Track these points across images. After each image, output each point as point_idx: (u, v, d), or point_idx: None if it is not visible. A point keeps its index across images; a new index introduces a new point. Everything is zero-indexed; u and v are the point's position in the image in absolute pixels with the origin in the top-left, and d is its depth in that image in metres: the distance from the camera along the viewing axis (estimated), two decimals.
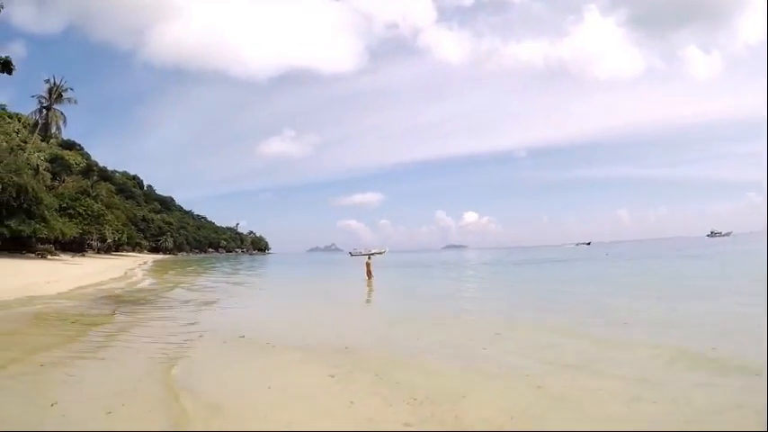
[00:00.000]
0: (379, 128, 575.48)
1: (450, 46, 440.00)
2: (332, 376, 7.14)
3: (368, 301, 21.49)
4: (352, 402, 5.91)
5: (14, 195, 40.43)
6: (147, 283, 28.60)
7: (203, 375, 7.45)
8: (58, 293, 18.30)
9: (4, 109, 73.62)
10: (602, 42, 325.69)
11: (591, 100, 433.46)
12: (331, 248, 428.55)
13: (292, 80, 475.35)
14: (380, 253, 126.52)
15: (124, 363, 8.18)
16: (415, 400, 5.91)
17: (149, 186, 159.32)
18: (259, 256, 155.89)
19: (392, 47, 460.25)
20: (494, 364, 7.83)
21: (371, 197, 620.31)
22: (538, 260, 59.46)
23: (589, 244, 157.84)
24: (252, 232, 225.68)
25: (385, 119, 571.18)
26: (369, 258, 30.57)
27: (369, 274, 28.26)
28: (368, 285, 26.19)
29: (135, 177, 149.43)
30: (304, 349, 9.27)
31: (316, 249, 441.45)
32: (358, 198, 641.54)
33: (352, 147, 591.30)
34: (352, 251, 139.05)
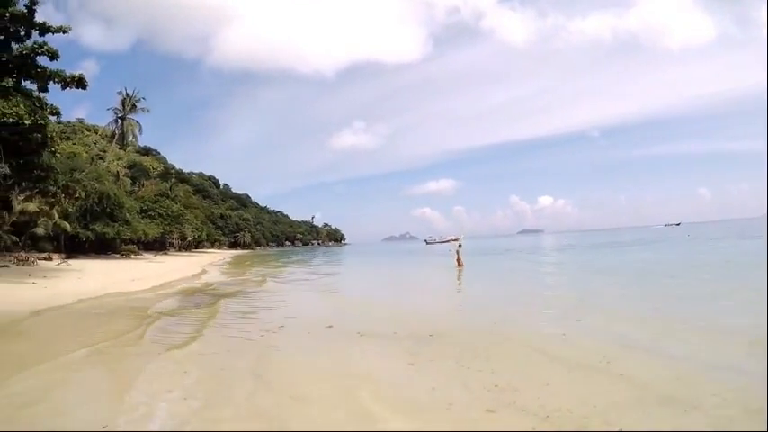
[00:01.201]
0: (447, 114, 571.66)
1: (513, 27, 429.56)
2: (411, 364, 7.26)
3: (457, 289, 21.14)
4: (433, 389, 5.95)
5: (97, 201, 43.19)
6: (226, 277, 29.54)
7: (289, 365, 7.63)
8: (142, 290, 19.18)
9: (81, 122, 78.95)
10: (670, 10, 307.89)
11: (663, 72, 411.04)
12: (406, 237, 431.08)
13: (358, 73, 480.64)
14: (456, 240, 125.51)
15: (212, 352, 8.50)
16: (497, 386, 5.89)
17: (225, 185, 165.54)
18: (335, 248, 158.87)
19: (455, 32, 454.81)
20: (578, 353, 7.66)
21: (445, 184, 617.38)
22: (621, 243, 57.46)
23: (679, 224, 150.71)
24: (327, 224, 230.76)
25: (453, 104, 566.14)
26: (459, 246, 30.22)
27: (459, 261, 28.19)
28: (458, 273, 25.94)
29: (211, 178, 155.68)
30: (388, 337, 9.48)
31: (391, 239, 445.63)
32: (431, 185, 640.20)
33: (423, 134, 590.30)
34: (428, 239, 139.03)
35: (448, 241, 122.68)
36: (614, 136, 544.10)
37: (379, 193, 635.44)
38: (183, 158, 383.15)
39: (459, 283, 22.65)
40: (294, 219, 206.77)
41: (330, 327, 10.76)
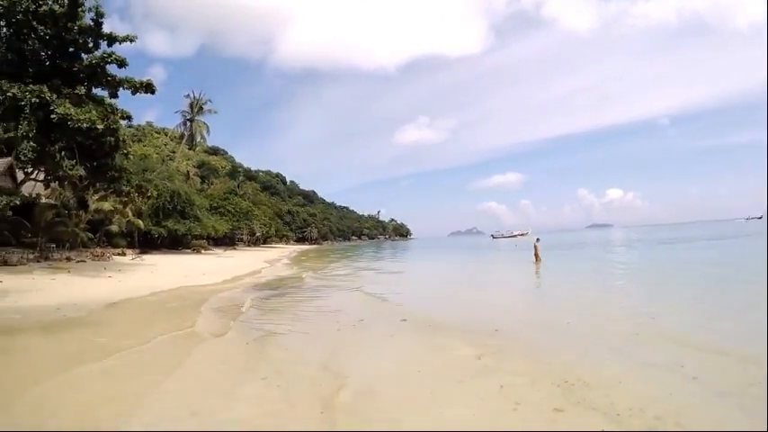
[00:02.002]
0: (512, 106, 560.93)
1: (575, 14, 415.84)
2: (479, 357, 7.24)
3: (534, 284, 20.63)
4: (501, 386, 5.83)
5: (169, 199, 45.54)
6: (296, 271, 29.97)
7: (361, 358, 7.81)
8: (213, 283, 19.86)
9: (151, 125, 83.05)
10: None
11: (733, 54, 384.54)
12: (472, 232, 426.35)
13: (421, 68, 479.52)
14: (523, 235, 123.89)
15: (284, 346, 8.74)
16: (567, 382, 5.78)
17: (292, 182, 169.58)
18: (401, 242, 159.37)
19: (516, 22, 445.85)
20: (650, 352, 7.46)
21: (511, 177, 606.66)
22: (693, 238, 53.74)
23: (761, 218, 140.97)
24: (393, 219, 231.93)
25: (517, 96, 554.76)
26: (537, 241, 29.73)
27: (536, 257, 27.76)
28: (536, 268, 25.45)
29: (278, 175, 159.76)
30: (459, 331, 9.42)
31: (457, 233, 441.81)
32: (497, 179, 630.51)
33: (488, 127, 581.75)
34: (494, 234, 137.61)
35: (514, 236, 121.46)
36: (685, 124, 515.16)
37: (444, 187, 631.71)
38: (251, 157, 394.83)
39: (538, 278, 22.19)
40: (360, 214, 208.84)
41: (404, 320, 10.87)
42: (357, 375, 6.52)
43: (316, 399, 5.52)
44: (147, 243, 42.92)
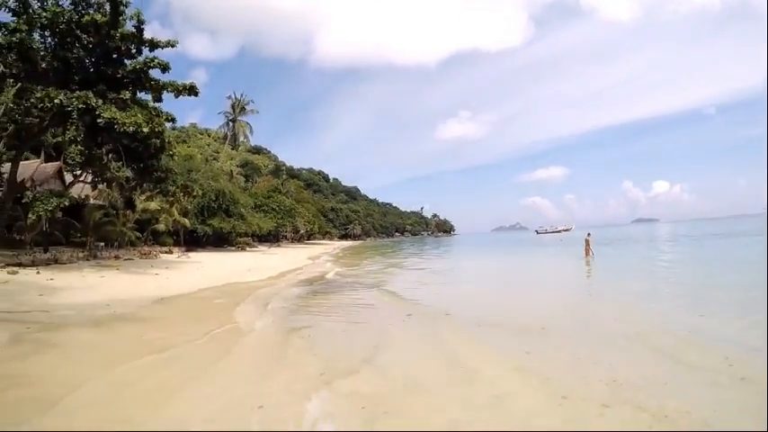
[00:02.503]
0: (554, 98, 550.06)
1: (615, 1, 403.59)
2: (528, 353, 7.31)
3: (584, 280, 20.24)
4: (547, 378, 5.94)
5: (214, 198, 46.68)
6: (341, 267, 30.16)
7: (405, 352, 7.87)
8: (258, 280, 20.33)
9: (195, 126, 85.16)
10: None
11: None
12: (516, 227, 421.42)
13: (461, 62, 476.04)
14: (567, 230, 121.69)
15: (330, 341, 8.88)
16: (615, 381, 5.79)
17: (335, 179, 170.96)
18: (445, 238, 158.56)
19: (556, 13, 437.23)
20: (699, 353, 7.31)
21: (555, 172, 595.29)
22: (738, 233, 51.86)
23: None
24: (436, 215, 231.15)
25: (559, 88, 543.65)
26: (588, 235, 29.18)
27: (588, 251, 27.51)
28: (586, 264, 25.09)
29: (320, 172, 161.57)
30: (506, 328, 9.48)
31: (500, 229, 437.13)
32: (541, 173, 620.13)
33: (530, 121, 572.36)
34: (539, 229, 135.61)
35: (559, 231, 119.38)
36: (732, 112, 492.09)
37: (487, 182, 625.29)
38: (293, 155, 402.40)
39: (588, 275, 21.77)
40: (403, 210, 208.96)
41: (448, 314, 10.94)
42: (401, 371, 6.61)
43: (358, 394, 5.61)
44: (192, 241, 44.23)
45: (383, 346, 8.17)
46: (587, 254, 27.30)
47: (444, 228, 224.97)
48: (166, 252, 34.33)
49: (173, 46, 21.90)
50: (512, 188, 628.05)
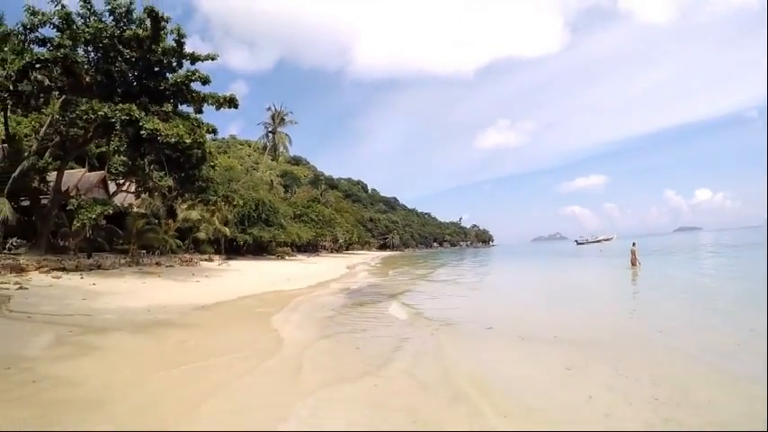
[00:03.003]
0: (593, 104, 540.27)
1: (652, 4, 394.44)
2: (569, 369, 7.12)
3: (630, 292, 19.54)
4: (590, 397, 5.80)
5: (254, 208, 47.56)
6: (380, 278, 29.89)
7: (446, 365, 7.65)
8: (298, 289, 20.30)
9: (235, 138, 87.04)
10: None
11: None
12: (555, 237, 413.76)
13: (499, 70, 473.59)
14: (608, 240, 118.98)
15: (372, 348, 8.89)
16: (657, 399, 5.65)
17: (374, 189, 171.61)
18: (484, 249, 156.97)
19: (592, 17, 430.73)
20: (745, 371, 7.00)
21: (594, 180, 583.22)
22: None
23: None
24: (475, 225, 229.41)
25: (597, 94, 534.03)
26: (633, 245, 28.57)
27: (634, 261, 26.83)
28: (632, 275, 24.35)
29: (359, 182, 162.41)
30: (548, 341, 9.29)
31: (539, 239, 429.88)
32: (580, 182, 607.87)
33: (569, 128, 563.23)
34: (579, 239, 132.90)
35: (599, 241, 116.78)
36: None
37: (526, 191, 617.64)
38: (332, 165, 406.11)
39: (634, 286, 21.17)
40: (442, 220, 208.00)
41: (490, 328, 10.70)
42: (443, 384, 6.52)
43: (403, 405, 5.59)
44: (233, 249, 45.04)
45: (424, 356, 8.12)
46: (633, 264, 26.52)
47: (483, 238, 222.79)
48: (207, 260, 34.95)
49: (213, 59, 22.43)
50: (551, 197, 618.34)
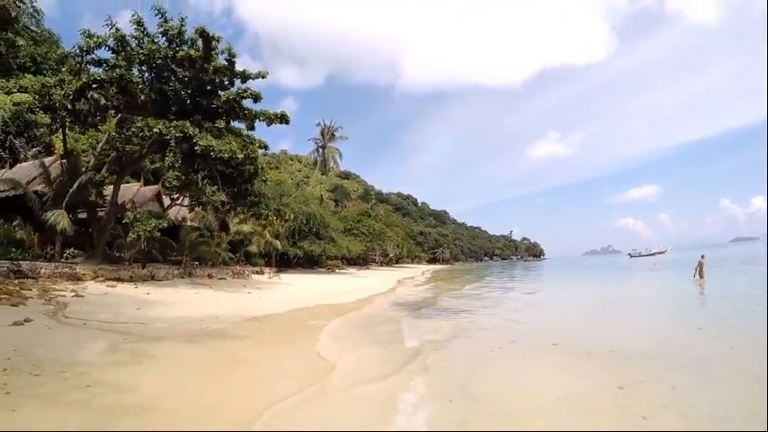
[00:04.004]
0: (644, 111, 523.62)
1: (700, 4, 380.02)
2: (621, 387, 6.87)
3: (697, 304, 19.03)
4: (644, 418, 5.63)
5: (305, 222, 48.35)
6: (434, 292, 29.18)
7: (501, 381, 7.61)
8: (349, 302, 20.35)
9: (285, 153, 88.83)
10: None
11: None
12: (608, 251, 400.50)
13: (546, 79, 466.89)
14: (662, 252, 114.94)
15: (427, 363, 8.71)
16: (713, 416, 5.57)
17: (423, 203, 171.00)
18: (534, 263, 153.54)
19: (639, 22, 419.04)
20: None
21: (647, 190, 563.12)
22: None
23: None
24: (525, 239, 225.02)
25: (648, 100, 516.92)
26: (702, 257, 27.46)
27: (701, 274, 25.95)
28: (699, 287, 23.46)
29: (409, 196, 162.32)
30: (604, 356, 9.05)
31: (592, 252, 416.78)
32: (633, 193, 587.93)
33: (620, 137, 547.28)
34: (632, 252, 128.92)
35: (653, 254, 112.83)
36: None
37: (577, 203, 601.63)
38: (382, 179, 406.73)
39: (702, 299, 20.34)
40: (492, 234, 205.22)
41: (555, 344, 10.34)
42: (493, 399, 6.49)
43: (454, 420, 5.60)
44: (283, 262, 45.74)
45: (479, 371, 8.03)
46: (701, 276, 25.46)
47: (534, 252, 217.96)
48: (258, 272, 35.61)
49: (263, 77, 22.90)
50: (603, 209, 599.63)
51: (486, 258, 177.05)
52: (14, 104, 29.21)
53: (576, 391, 6.84)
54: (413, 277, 49.38)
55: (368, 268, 68.17)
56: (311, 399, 6.36)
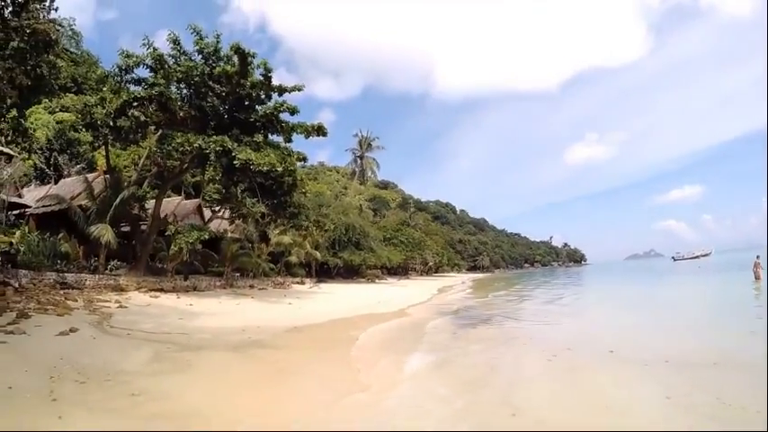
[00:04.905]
0: (683, 109, 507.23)
1: None
2: (668, 398, 6.70)
3: (753, 308, 17.83)
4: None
5: (344, 232, 48.57)
6: (476, 300, 29.00)
7: (542, 390, 7.51)
8: (390, 312, 20.40)
9: (323, 164, 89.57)
10: None
11: None
12: (650, 254, 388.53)
13: (583, 81, 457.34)
14: (706, 255, 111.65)
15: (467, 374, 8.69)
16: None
17: (462, 211, 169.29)
18: (576, 268, 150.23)
19: (674, 17, 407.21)
20: None
21: (689, 191, 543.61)
22: None
23: None
24: (566, 244, 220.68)
25: (685, 97, 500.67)
26: (757, 258, 26.51)
27: (757, 275, 25.17)
28: (755, 290, 22.44)
29: (447, 204, 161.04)
30: (656, 365, 8.78)
31: (634, 256, 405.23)
32: (675, 194, 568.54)
33: (659, 137, 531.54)
34: (675, 255, 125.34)
35: (697, 257, 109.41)
36: None
37: (618, 207, 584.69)
38: (420, 188, 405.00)
39: (758, 302, 19.26)
40: (532, 240, 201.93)
41: (611, 352, 10.10)
42: (535, 409, 6.36)
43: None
44: (323, 273, 46.01)
45: (536, 384, 7.87)
46: (758, 278, 24.50)
47: (575, 257, 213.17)
48: (298, 283, 36.03)
49: (299, 90, 23.14)
50: (644, 212, 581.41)
51: (526, 265, 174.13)
52: (58, 123, 30.41)
53: (625, 400, 6.69)
54: (453, 286, 48.87)
55: (407, 277, 67.85)
56: (348, 407, 6.34)
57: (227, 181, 24.57)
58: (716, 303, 21.10)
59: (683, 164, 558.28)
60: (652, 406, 6.36)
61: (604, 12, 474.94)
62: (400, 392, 7.26)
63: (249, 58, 21.24)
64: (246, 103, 22.57)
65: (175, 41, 21.32)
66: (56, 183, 28.82)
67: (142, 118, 21.03)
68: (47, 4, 14.14)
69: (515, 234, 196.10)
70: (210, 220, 29.26)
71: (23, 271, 16.40)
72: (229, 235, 30.68)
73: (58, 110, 27.71)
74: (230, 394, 6.79)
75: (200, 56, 21.34)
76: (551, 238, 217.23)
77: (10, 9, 13.09)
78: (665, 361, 8.93)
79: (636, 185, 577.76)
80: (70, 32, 37.48)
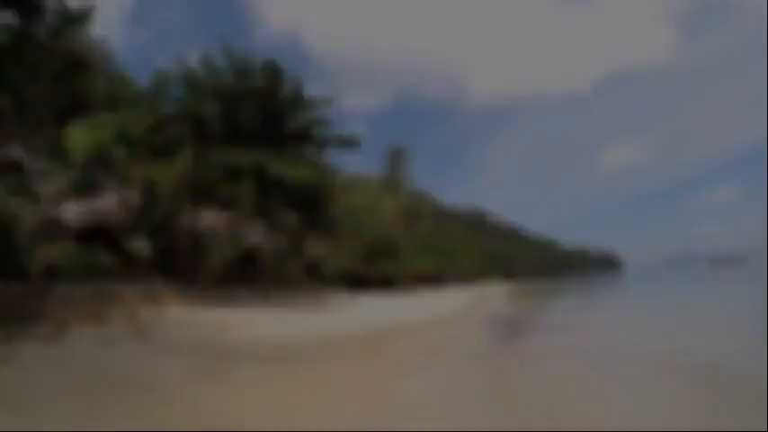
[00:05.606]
0: (716, 107, 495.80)
1: None
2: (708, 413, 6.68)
3: None
4: None
5: (379, 242, 48.39)
6: (513, 308, 29.28)
7: (584, 395, 7.65)
8: (426, 323, 20.25)
9: (356, 175, 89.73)
10: None
11: None
12: (687, 258, 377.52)
13: (615, 83, 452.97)
14: (744, 258, 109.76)
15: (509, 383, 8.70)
16: None
17: (497, 219, 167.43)
18: (613, 274, 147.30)
19: (703, 16, 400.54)
20: None
21: (725, 192, 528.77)
22: None
23: None
24: (602, 250, 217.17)
25: (720, 95, 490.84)
26: None
27: None
28: None
29: (481, 212, 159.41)
30: (701, 376, 8.66)
31: (671, 260, 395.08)
32: (711, 196, 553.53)
33: (695, 137, 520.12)
34: (713, 258, 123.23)
35: (735, 260, 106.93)
36: None
37: (656, 210, 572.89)
38: (453, 196, 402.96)
39: None
40: (567, 246, 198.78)
41: (659, 362, 9.97)
42: (577, 420, 6.28)
43: None
44: (357, 283, 45.84)
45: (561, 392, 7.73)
46: None
47: (611, 263, 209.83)
48: (334, 294, 35.79)
49: (331, 102, 23.36)
50: (681, 215, 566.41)
51: (562, 272, 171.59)
52: (94, 140, 31.16)
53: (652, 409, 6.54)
54: (491, 295, 48.32)
55: (443, 287, 67.36)
56: (381, 422, 6.20)
57: (261, 194, 24.80)
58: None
59: (718, 164, 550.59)
60: (689, 411, 6.30)
61: (633, 14, 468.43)
62: (438, 409, 7.03)
63: (280, 74, 21.46)
64: (279, 117, 22.80)
65: (207, 58, 21.66)
66: (93, 198, 29.49)
67: (176, 134, 21.40)
68: (83, 27, 14.53)
69: (551, 241, 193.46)
70: (246, 233, 29.50)
71: (63, 283, 16.72)
72: (265, 247, 30.91)
73: (94, 128, 28.50)
74: (265, 405, 6.77)
75: (232, 72, 21.63)
76: (587, 243, 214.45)
77: (47, 31, 13.47)
78: (708, 369, 8.80)
79: (671, 188, 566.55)
80: (105, 52, 38.64)
